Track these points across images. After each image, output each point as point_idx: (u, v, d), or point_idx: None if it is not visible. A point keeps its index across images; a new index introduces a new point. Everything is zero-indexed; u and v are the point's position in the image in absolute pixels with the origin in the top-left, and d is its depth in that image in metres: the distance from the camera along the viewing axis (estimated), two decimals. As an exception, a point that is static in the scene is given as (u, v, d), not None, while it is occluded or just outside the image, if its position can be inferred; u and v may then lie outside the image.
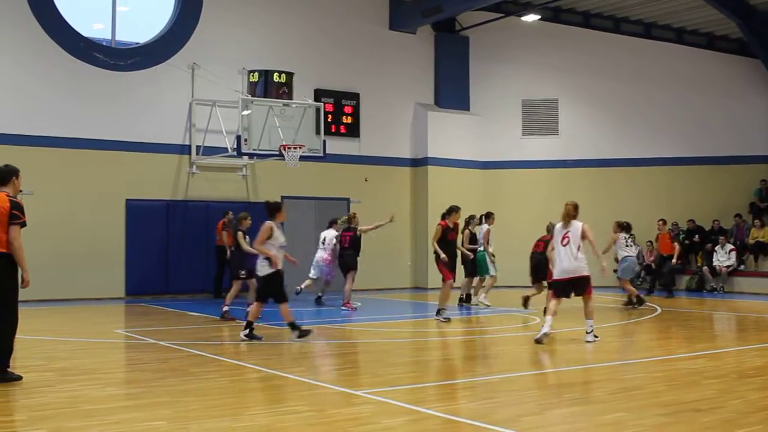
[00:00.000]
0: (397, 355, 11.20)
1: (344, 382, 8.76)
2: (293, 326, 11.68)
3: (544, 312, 12.20)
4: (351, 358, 10.85)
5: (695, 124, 25.33)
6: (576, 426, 6.65)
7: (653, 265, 23.56)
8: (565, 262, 11.66)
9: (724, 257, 22.42)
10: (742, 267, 22.57)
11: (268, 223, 11.77)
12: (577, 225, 11.75)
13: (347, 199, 23.21)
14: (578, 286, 11.75)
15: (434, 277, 23.19)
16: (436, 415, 7.09)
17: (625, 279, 18.07)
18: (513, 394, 8.20)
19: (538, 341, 11.30)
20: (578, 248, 11.62)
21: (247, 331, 11.77)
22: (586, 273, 11.71)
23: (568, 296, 11.88)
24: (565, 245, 11.69)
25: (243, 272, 14.68)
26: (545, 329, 11.39)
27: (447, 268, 14.65)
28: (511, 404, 7.70)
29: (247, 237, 14.69)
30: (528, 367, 10.11)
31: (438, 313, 14.57)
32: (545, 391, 8.22)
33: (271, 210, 11.98)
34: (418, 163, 24.60)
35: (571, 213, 11.83)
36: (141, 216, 20.37)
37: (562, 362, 10.06)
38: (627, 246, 18.20)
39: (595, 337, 11.66)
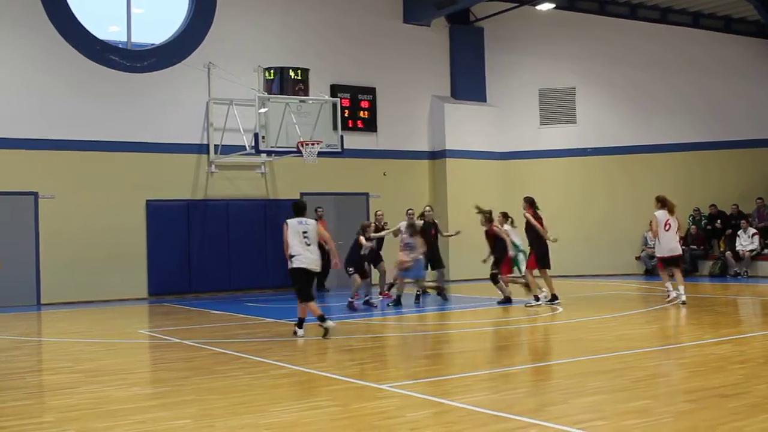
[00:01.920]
0: (420, 348, 11.21)
1: (368, 376, 8.77)
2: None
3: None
4: (374, 352, 10.86)
5: (713, 109, 25.13)
6: (601, 414, 6.63)
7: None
8: (671, 243, 15.05)
9: (747, 241, 22.27)
10: (765, 251, 22.39)
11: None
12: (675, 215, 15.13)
13: (366, 194, 23.23)
14: (675, 261, 15.23)
15: (456, 269, 23.27)
16: (460, 407, 7.09)
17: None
18: (537, 384, 8.19)
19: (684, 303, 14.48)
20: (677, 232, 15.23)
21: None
22: (680, 252, 15.49)
23: (677, 266, 15.27)
24: (667, 230, 14.97)
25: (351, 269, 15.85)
26: (672, 293, 14.76)
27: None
28: (535, 394, 7.69)
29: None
30: (551, 356, 10.10)
31: (551, 300, 15.63)
32: (569, 381, 8.19)
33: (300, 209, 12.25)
34: (437, 155, 24.57)
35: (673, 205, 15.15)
36: (162, 216, 20.47)
37: (586, 351, 10.02)
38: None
39: (684, 303, 14.51)
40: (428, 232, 17.20)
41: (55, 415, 7.29)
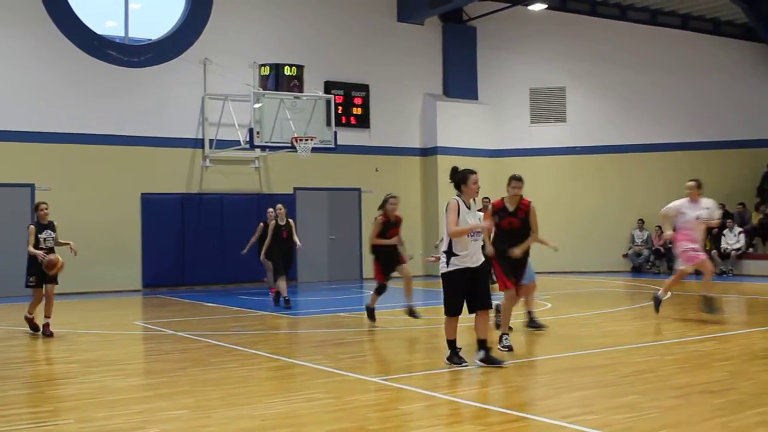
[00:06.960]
0: (412, 342, 11.36)
1: (361, 369, 8.90)
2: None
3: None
4: (367, 345, 11.01)
5: (703, 109, 25.31)
6: (590, 409, 6.78)
7: (662, 249, 23.68)
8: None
9: (732, 240, 22.51)
10: (750, 249, 22.66)
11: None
12: None
13: (359, 190, 23.38)
14: None
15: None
16: (452, 400, 7.25)
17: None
18: (527, 379, 8.34)
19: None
20: None
21: None
22: None
23: None
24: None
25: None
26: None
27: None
28: (525, 389, 7.85)
29: None
30: (540, 352, 10.26)
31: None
32: (558, 376, 8.34)
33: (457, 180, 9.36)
34: (428, 152, 24.72)
35: None
36: (156, 210, 20.59)
37: (574, 347, 10.18)
38: None
39: None
40: (278, 234, 15.80)
41: (54, 405, 7.43)
